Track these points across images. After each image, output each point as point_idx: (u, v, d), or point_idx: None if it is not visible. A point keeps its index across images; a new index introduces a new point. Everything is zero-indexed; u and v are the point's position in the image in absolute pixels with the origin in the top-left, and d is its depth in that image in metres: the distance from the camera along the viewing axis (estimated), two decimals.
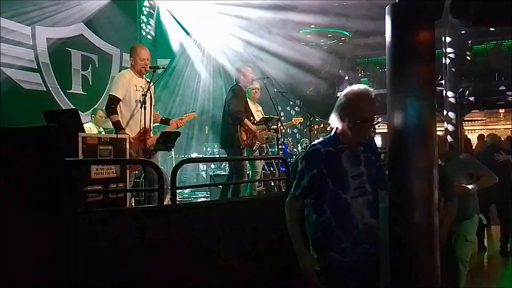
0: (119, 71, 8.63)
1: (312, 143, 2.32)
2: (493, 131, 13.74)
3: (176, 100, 10.56)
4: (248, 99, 5.57)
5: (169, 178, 3.02)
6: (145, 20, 9.76)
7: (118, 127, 4.14)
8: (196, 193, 7.84)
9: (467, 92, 13.43)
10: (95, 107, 7.36)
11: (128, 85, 4.29)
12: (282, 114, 11.54)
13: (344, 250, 2.18)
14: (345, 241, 2.18)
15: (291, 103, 11.42)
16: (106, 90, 7.84)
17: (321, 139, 2.34)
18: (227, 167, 7.03)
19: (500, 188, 5.36)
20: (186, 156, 9.06)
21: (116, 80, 4.38)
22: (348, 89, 2.27)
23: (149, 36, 9.78)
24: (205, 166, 8.90)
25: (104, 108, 4.92)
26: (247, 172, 5.24)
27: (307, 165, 2.24)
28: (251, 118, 5.37)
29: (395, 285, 2.22)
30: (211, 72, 11.45)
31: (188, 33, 10.75)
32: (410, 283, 2.25)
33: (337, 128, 2.28)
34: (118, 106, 4.24)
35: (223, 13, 10.31)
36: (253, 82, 5.56)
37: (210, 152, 9.73)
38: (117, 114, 4.20)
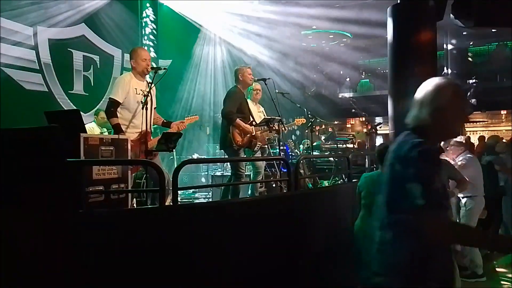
0: (121, 72, 8.69)
1: (416, 143, 1.78)
2: (495, 133, 13.74)
3: (177, 102, 10.58)
4: (249, 100, 5.55)
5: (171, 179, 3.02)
6: (146, 20, 9.78)
7: (118, 130, 4.12)
8: (197, 194, 7.84)
9: (469, 93, 13.43)
10: (98, 107, 7.38)
11: (128, 88, 4.27)
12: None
13: (438, 275, 1.79)
14: (438, 263, 1.79)
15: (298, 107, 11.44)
16: (107, 91, 7.87)
17: (414, 139, 1.82)
18: (229, 168, 7.03)
19: (493, 189, 5.55)
20: (187, 157, 9.06)
21: (116, 83, 4.37)
22: (437, 82, 1.87)
23: (151, 37, 9.80)
24: (207, 166, 8.91)
25: (104, 110, 4.92)
26: (247, 173, 5.22)
27: (434, 169, 1.76)
28: (251, 119, 5.33)
29: None
30: (213, 73, 11.46)
31: (190, 34, 10.76)
32: None
33: (421, 127, 1.84)
34: (118, 109, 4.24)
35: (226, 12, 10.31)
36: (253, 83, 5.53)
37: (211, 153, 9.73)
38: (117, 117, 4.20)
